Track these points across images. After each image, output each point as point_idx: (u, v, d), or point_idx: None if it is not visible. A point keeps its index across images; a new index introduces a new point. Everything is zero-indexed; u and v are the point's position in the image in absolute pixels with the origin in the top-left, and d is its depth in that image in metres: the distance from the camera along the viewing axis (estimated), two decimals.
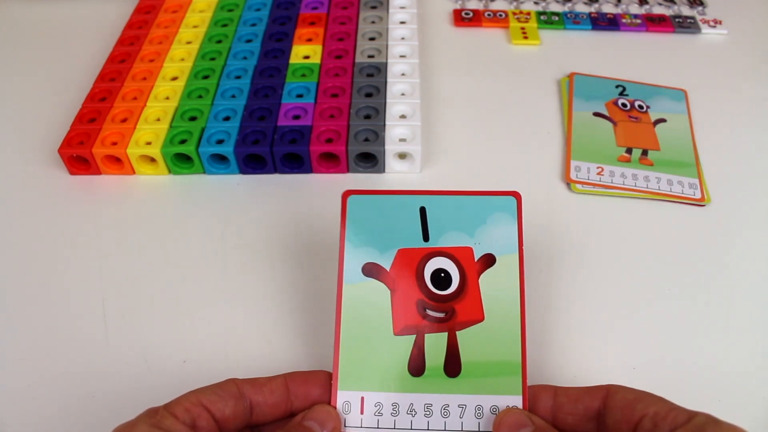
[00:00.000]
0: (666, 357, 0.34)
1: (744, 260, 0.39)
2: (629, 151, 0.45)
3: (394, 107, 0.45)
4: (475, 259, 0.30)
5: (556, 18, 0.57)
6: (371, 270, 0.30)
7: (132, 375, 0.34)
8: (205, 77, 0.48)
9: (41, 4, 0.61)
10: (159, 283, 0.38)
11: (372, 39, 0.52)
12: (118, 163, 0.44)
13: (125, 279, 0.38)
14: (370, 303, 0.30)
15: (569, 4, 0.59)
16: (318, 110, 0.45)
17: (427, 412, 0.28)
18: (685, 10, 0.58)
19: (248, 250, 0.40)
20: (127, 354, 0.35)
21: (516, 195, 0.31)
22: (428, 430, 0.28)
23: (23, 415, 0.32)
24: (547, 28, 0.57)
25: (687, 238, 0.40)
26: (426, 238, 0.30)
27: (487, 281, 0.30)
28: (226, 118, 0.45)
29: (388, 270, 0.30)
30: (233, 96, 0.47)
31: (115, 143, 0.44)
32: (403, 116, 0.45)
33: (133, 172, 0.45)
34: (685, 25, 0.56)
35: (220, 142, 0.43)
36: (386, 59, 0.49)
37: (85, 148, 0.43)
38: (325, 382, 0.29)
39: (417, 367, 0.29)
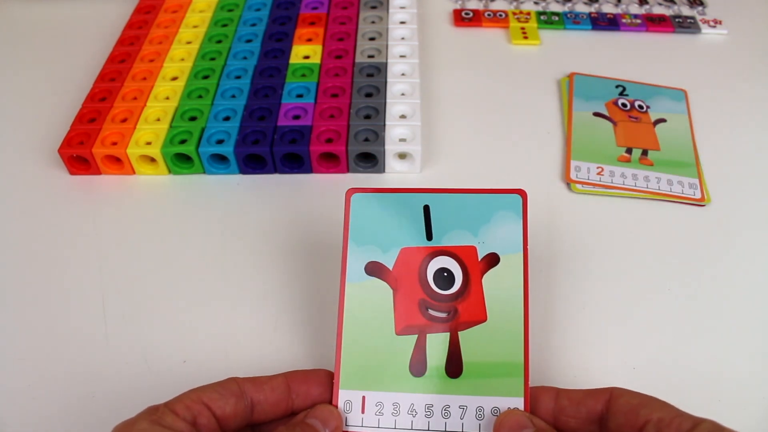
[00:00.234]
0: (666, 357, 0.34)
1: (744, 260, 0.39)
2: (629, 151, 0.45)
3: (394, 107, 0.45)
4: (479, 259, 0.30)
5: (556, 18, 0.57)
6: (374, 269, 0.30)
7: (132, 375, 0.34)
8: (205, 77, 0.48)
9: (41, 4, 0.61)
10: (159, 283, 0.38)
11: (372, 39, 0.52)
12: (118, 163, 0.44)
13: (125, 279, 0.38)
14: (372, 302, 0.29)
15: (569, 4, 0.59)
16: (318, 110, 0.45)
17: (428, 413, 0.28)
18: (685, 10, 0.58)
19: (248, 250, 0.40)
20: (127, 354, 0.35)
21: (521, 193, 0.30)
22: (429, 430, 0.28)
23: (23, 415, 0.32)
24: (547, 28, 0.57)
25: (687, 238, 0.40)
26: (429, 236, 0.30)
27: (490, 281, 0.29)
28: (226, 118, 0.45)
29: (390, 269, 0.30)
30: (233, 96, 0.46)
31: (115, 143, 0.44)
32: (403, 116, 0.45)
33: (133, 172, 0.45)
34: (685, 25, 0.56)
35: (220, 142, 0.43)
36: (386, 59, 0.49)
37: (85, 148, 0.43)
38: (325, 380, 0.29)
39: (418, 367, 0.29)
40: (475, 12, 0.58)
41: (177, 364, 0.34)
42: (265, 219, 0.41)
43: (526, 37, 0.55)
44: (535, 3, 0.59)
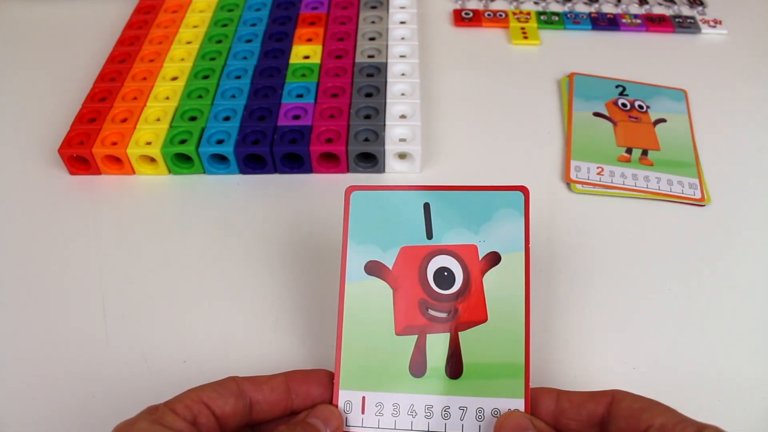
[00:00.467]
0: (666, 357, 0.34)
1: (744, 260, 0.39)
2: (629, 151, 0.45)
3: (394, 107, 0.45)
4: (480, 258, 0.30)
5: (556, 18, 0.57)
6: (373, 268, 0.30)
7: (132, 375, 0.34)
8: (205, 77, 0.48)
9: (41, 4, 0.61)
10: (159, 283, 0.38)
11: (372, 39, 0.52)
12: (118, 163, 0.44)
13: (125, 279, 0.38)
14: (372, 302, 0.29)
15: (569, 4, 0.59)
16: (318, 110, 0.45)
17: (428, 414, 0.28)
18: (685, 10, 0.58)
19: (248, 249, 0.40)
20: (127, 354, 0.35)
21: (524, 190, 0.30)
22: (429, 431, 0.28)
23: (23, 415, 0.32)
24: (547, 28, 0.57)
25: (687, 238, 0.40)
26: (430, 235, 0.30)
27: (491, 280, 0.29)
28: (226, 118, 0.45)
29: (390, 268, 0.30)
30: (233, 96, 0.46)
31: (115, 143, 0.44)
32: (403, 116, 0.45)
33: (133, 172, 0.45)
34: (685, 25, 0.56)
35: (220, 142, 0.43)
36: (386, 59, 0.49)
37: (85, 148, 0.43)
38: (325, 381, 0.29)
39: (418, 367, 0.29)
40: (475, 12, 0.58)
41: (177, 364, 0.34)
42: (265, 219, 0.41)
43: (526, 37, 0.55)
44: (535, 3, 0.59)
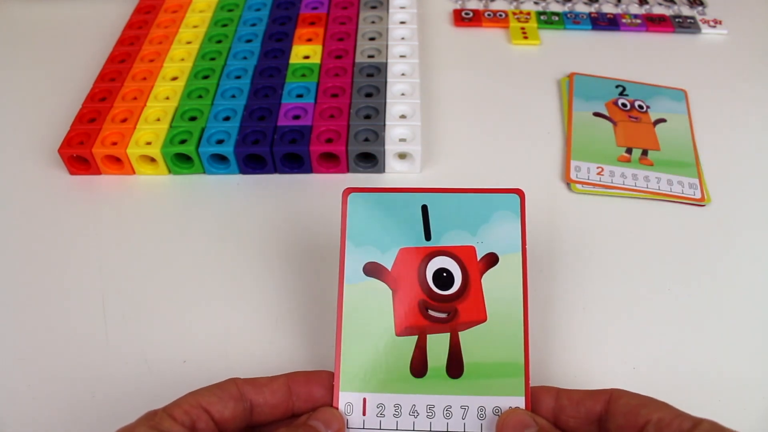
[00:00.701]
0: (666, 357, 0.34)
1: (744, 260, 0.39)
2: (629, 151, 0.45)
3: (394, 107, 0.45)
4: (478, 259, 0.30)
5: (556, 18, 0.57)
6: (372, 270, 0.30)
7: (132, 375, 0.34)
8: (205, 77, 0.48)
9: (41, 4, 0.61)
10: (159, 283, 0.38)
11: (372, 39, 0.52)
12: (118, 163, 0.44)
13: (125, 279, 0.38)
14: (371, 303, 0.29)
15: (569, 4, 0.59)
16: (318, 110, 0.45)
17: (430, 414, 0.28)
18: (685, 10, 0.58)
19: (248, 249, 0.40)
20: (127, 354, 0.35)
21: (519, 193, 0.30)
22: (431, 431, 0.28)
23: (23, 415, 0.32)
24: (547, 28, 0.57)
25: (687, 238, 0.40)
26: (428, 236, 0.30)
27: (489, 281, 0.29)
28: (226, 118, 0.45)
29: (389, 269, 0.30)
30: (233, 96, 0.46)
31: (115, 143, 0.44)
32: (403, 116, 0.45)
33: (133, 172, 0.45)
34: (685, 25, 0.56)
35: (220, 142, 0.43)
36: (386, 59, 0.49)
37: (85, 148, 0.43)
38: (327, 382, 0.29)
39: (419, 368, 0.29)
40: (475, 12, 0.58)
41: (177, 365, 0.34)
42: (265, 219, 0.41)
43: (526, 37, 0.55)
44: (535, 3, 0.59)
